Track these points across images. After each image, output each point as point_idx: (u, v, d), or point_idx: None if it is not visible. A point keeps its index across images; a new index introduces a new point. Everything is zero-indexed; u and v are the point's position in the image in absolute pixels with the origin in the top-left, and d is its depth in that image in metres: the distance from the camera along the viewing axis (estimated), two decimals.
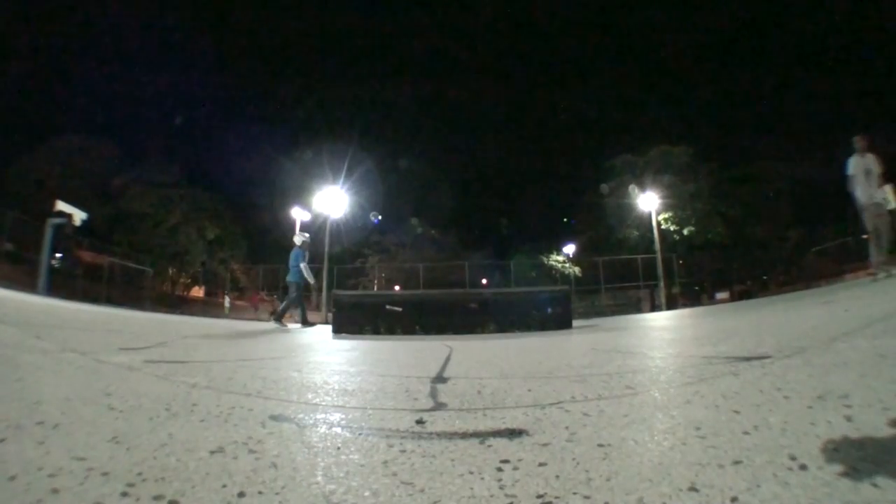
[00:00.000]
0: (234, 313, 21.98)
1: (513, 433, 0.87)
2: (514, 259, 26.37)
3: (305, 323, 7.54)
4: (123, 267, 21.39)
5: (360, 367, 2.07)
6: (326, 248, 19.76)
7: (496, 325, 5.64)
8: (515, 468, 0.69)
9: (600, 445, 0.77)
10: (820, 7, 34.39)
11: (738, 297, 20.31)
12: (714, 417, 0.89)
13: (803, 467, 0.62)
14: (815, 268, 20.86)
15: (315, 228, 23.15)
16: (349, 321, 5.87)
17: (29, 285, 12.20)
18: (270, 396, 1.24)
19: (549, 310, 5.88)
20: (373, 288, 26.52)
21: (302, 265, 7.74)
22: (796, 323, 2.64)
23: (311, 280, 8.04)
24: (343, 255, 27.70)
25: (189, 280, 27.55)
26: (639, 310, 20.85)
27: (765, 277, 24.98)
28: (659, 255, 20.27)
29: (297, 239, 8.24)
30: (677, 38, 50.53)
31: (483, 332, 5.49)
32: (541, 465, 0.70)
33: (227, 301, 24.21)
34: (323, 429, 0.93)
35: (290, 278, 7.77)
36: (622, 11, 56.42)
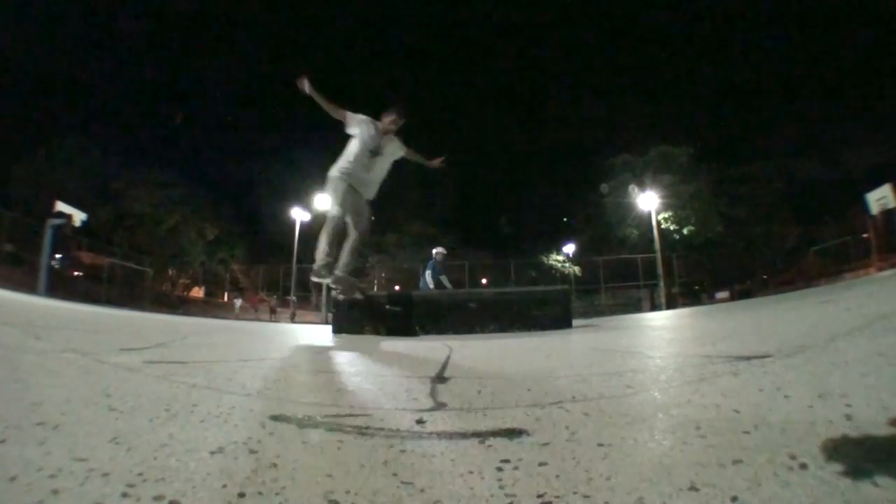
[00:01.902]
0: (241, 314, 22.09)
1: (513, 433, 0.87)
2: (514, 259, 26.38)
3: None
4: (123, 267, 21.39)
5: (359, 367, 2.07)
6: None
7: (496, 324, 5.64)
8: (516, 468, 0.69)
9: (600, 445, 0.77)
10: (820, 6, 34.39)
11: (737, 296, 20.31)
12: (714, 417, 0.89)
13: (803, 466, 0.62)
14: (814, 267, 20.87)
15: (315, 229, 23.21)
16: (349, 321, 5.86)
17: (29, 286, 12.21)
18: (271, 396, 1.24)
19: (549, 309, 5.88)
20: (373, 288, 26.53)
21: (427, 274, 8.65)
22: (796, 322, 2.63)
23: (430, 287, 8.95)
24: None
25: (189, 280, 27.55)
26: (639, 309, 20.86)
27: (764, 277, 24.98)
28: (659, 255, 20.28)
29: (436, 252, 9.04)
30: (677, 38, 50.52)
31: (483, 331, 5.49)
32: (541, 464, 0.70)
33: (237, 303, 24.34)
34: (323, 429, 0.93)
35: (421, 286, 8.73)
36: (622, 10, 56.41)
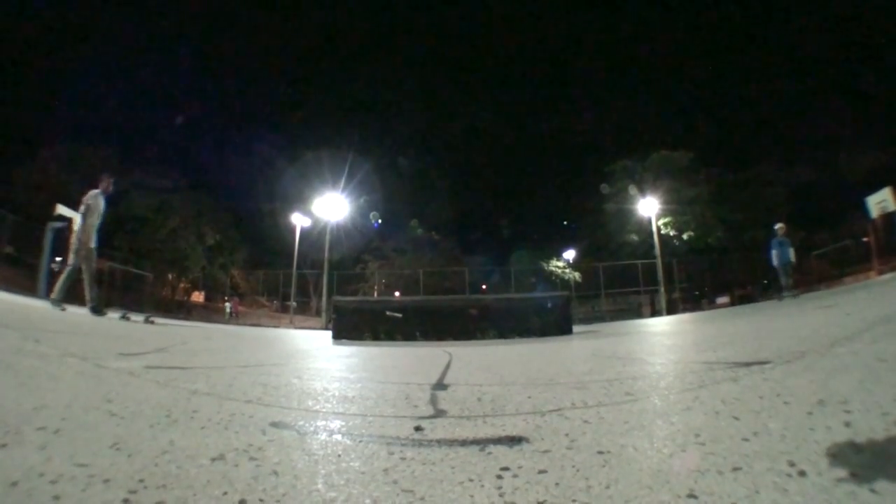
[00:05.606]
0: (238, 319, 22.07)
1: (513, 440, 0.87)
2: (514, 264, 26.37)
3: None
4: (123, 272, 21.38)
5: (360, 374, 2.06)
6: (326, 254, 19.76)
7: (496, 331, 5.63)
8: (515, 475, 0.69)
9: (600, 452, 0.77)
10: (820, 11, 34.63)
11: (738, 301, 20.27)
12: (714, 424, 0.89)
13: (802, 473, 0.62)
14: (815, 272, 20.85)
15: (315, 234, 23.21)
16: (349, 327, 5.86)
17: (29, 289, 12.19)
18: (271, 403, 1.24)
19: (550, 315, 5.88)
20: (373, 294, 26.48)
21: (774, 252, 10.20)
22: (796, 327, 2.63)
23: (786, 262, 10.30)
24: (343, 261, 27.72)
25: (189, 285, 27.52)
26: (639, 315, 20.82)
27: (765, 282, 24.95)
28: (659, 260, 20.27)
29: (778, 227, 10.46)
30: (677, 43, 50.87)
31: (483, 338, 5.48)
32: (541, 472, 0.70)
33: (228, 307, 24.34)
34: (323, 436, 0.93)
35: (776, 263, 10.30)
36: (622, 15, 56.84)
